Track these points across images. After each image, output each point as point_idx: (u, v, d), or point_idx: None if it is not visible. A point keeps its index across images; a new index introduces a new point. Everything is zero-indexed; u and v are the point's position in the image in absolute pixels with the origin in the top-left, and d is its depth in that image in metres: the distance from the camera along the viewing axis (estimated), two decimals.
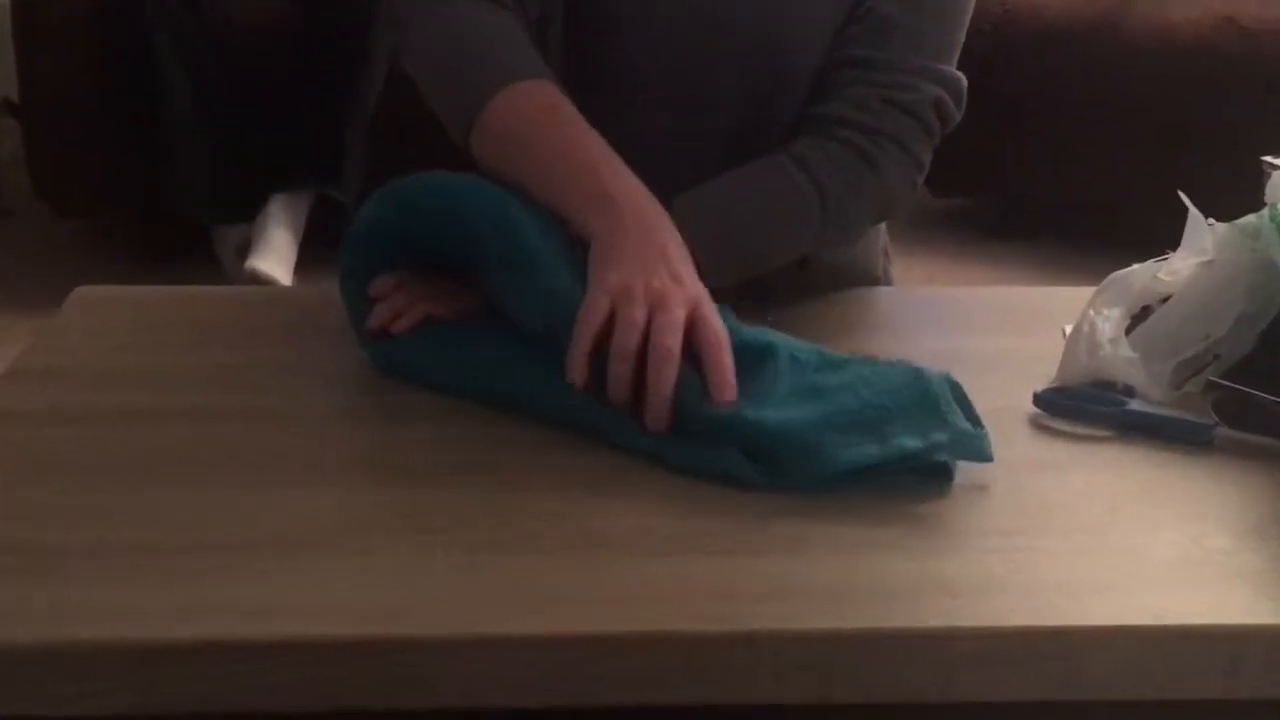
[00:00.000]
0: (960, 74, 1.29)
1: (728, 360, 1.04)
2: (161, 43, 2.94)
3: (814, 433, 1.00)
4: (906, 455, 0.99)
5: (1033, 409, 1.12)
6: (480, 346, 1.13)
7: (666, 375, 1.03)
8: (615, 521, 0.95)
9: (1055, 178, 3.30)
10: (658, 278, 1.07)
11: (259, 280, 2.84)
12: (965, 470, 1.01)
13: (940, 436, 1.00)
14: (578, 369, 1.05)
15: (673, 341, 1.04)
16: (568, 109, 1.20)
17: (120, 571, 0.88)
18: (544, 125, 1.19)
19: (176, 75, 2.95)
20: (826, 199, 1.24)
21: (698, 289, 1.08)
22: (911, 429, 1.00)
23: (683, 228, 1.14)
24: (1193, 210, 1.20)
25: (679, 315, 1.05)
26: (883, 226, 1.45)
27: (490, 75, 1.21)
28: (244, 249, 2.95)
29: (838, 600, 0.87)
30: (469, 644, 0.83)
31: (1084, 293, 1.20)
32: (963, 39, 1.31)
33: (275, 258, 2.90)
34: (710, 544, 0.93)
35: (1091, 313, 1.17)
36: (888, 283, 1.46)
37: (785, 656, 0.84)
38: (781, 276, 1.27)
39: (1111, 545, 0.94)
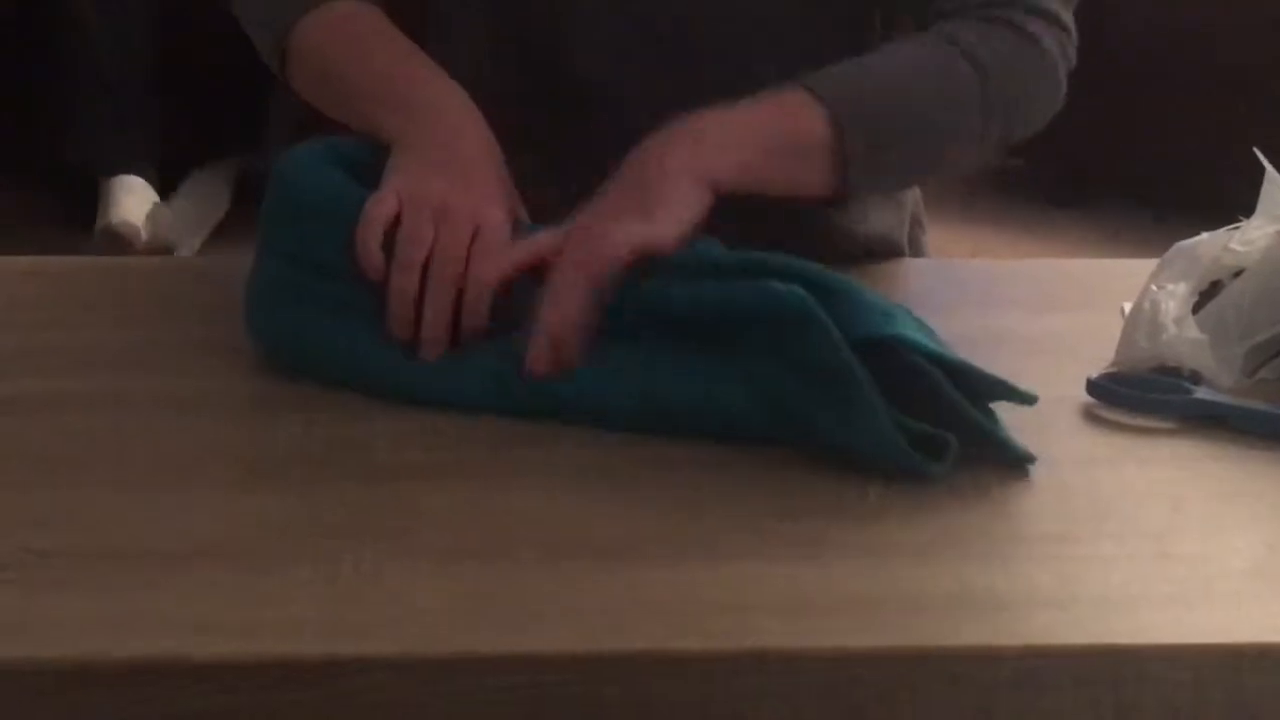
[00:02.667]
0: None
1: (483, 293, 1.07)
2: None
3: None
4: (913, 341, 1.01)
5: (1086, 398, 1.12)
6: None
7: (442, 305, 1.07)
8: (605, 524, 0.96)
9: (1117, 137, 3.31)
10: (451, 184, 1.10)
11: (116, 236, 2.85)
12: (1008, 469, 1.02)
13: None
14: (369, 259, 1.08)
15: (452, 270, 1.07)
16: (372, 17, 1.24)
17: (37, 584, 0.89)
18: (347, 36, 1.24)
19: (97, 21, 2.98)
20: (987, 76, 1.20)
21: (495, 204, 1.10)
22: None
23: (824, 116, 1.15)
24: (1270, 170, 1.21)
25: (463, 232, 1.07)
26: (915, 191, 1.46)
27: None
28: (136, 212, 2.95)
29: (862, 614, 0.88)
30: (439, 665, 0.84)
31: (1145, 265, 1.21)
32: None
33: (137, 210, 2.91)
34: (715, 549, 0.93)
35: (1154, 288, 1.18)
36: (918, 255, 1.47)
37: (802, 679, 0.85)
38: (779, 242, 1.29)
39: (1175, 553, 0.95)
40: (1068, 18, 1.28)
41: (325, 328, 1.12)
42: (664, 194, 1.10)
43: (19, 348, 1.19)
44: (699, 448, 1.05)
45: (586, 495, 0.99)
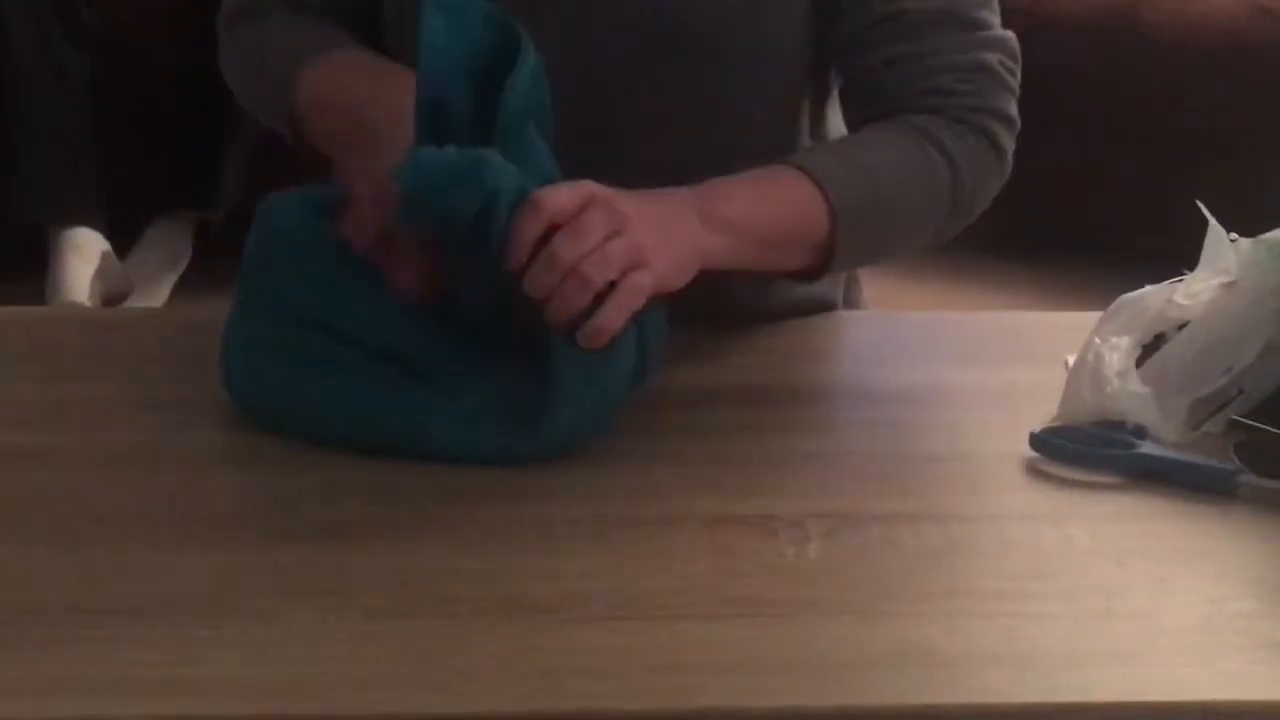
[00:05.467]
0: (1009, 32, 1.34)
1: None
2: (21, 34, 2.98)
3: None
4: None
5: (1029, 452, 1.13)
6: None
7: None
8: (543, 583, 0.96)
9: (1061, 190, 3.34)
10: None
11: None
12: (951, 525, 1.03)
13: None
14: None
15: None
16: (347, 65, 1.27)
17: None
18: (332, 94, 1.26)
19: (39, 71, 2.99)
20: (961, 185, 1.28)
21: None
22: None
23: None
24: (1213, 224, 1.22)
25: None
26: None
27: (296, 57, 1.29)
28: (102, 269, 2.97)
29: (805, 673, 0.88)
30: None
31: (1089, 318, 1.22)
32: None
33: (83, 275, 2.92)
34: (655, 608, 0.93)
35: (1097, 341, 1.19)
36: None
37: None
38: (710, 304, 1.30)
39: (1120, 610, 0.96)
40: (1016, 112, 1.35)
41: (302, 380, 1.12)
42: (666, 247, 1.13)
43: None
44: (636, 507, 1.06)
45: (523, 554, 0.99)
